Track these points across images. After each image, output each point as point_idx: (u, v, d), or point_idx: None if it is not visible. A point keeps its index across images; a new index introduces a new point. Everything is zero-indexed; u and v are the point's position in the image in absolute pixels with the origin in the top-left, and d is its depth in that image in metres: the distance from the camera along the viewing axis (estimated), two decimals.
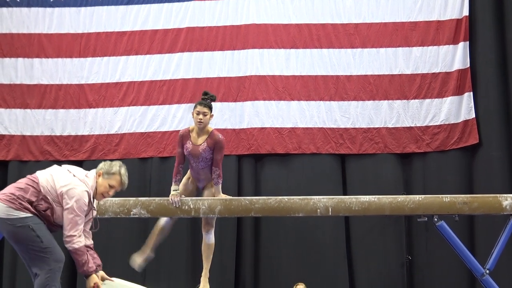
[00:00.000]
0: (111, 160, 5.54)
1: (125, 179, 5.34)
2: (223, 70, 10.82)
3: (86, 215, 5.20)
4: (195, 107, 6.51)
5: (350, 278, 10.33)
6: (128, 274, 10.29)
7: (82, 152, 10.70)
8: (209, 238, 6.88)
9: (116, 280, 5.55)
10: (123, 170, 5.33)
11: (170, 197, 6.53)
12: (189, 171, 6.81)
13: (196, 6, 11.00)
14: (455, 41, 10.54)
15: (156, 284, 10.21)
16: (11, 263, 10.59)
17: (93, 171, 5.34)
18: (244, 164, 10.67)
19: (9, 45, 11.08)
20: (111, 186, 5.30)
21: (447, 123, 10.42)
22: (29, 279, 10.59)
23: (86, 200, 5.14)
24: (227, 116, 10.67)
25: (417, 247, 10.35)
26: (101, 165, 5.35)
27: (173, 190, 6.56)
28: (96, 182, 5.28)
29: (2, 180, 10.78)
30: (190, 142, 6.54)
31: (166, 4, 11.01)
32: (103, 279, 5.40)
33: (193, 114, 6.52)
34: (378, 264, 10.28)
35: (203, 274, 6.91)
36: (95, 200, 5.38)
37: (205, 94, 6.63)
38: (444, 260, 9.96)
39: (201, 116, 6.43)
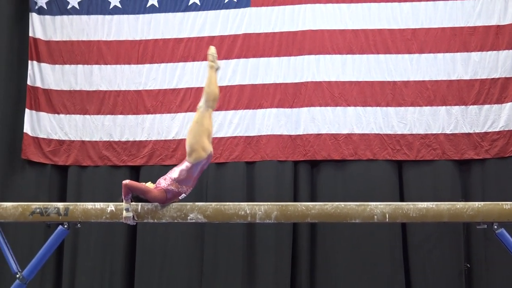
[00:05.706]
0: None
1: None
2: (279, 76, 10.82)
3: None
4: None
5: (407, 287, 10.23)
6: (185, 278, 10.49)
7: (139, 158, 10.80)
8: None
9: None
10: None
11: None
12: None
13: (252, 13, 11.04)
14: None
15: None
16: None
17: None
18: (300, 170, 10.65)
19: (69, 52, 11.26)
20: None
21: (506, 129, 10.25)
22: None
23: None
24: (283, 122, 10.67)
25: (475, 256, 10.19)
26: None
27: None
28: None
29: (62, 185, 11.00)
30: None
31: (222, 11, 11.06)
32: None
33: None
34: (435, 273, 10.14)
35: None
36: None
37: None
38: (504, 268, 9.81)
39: None
